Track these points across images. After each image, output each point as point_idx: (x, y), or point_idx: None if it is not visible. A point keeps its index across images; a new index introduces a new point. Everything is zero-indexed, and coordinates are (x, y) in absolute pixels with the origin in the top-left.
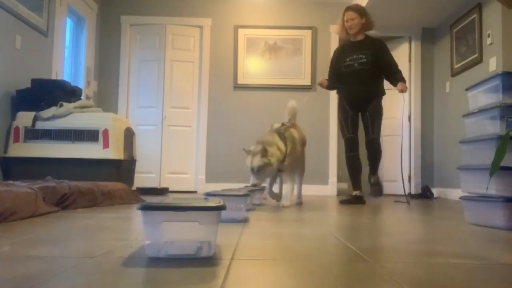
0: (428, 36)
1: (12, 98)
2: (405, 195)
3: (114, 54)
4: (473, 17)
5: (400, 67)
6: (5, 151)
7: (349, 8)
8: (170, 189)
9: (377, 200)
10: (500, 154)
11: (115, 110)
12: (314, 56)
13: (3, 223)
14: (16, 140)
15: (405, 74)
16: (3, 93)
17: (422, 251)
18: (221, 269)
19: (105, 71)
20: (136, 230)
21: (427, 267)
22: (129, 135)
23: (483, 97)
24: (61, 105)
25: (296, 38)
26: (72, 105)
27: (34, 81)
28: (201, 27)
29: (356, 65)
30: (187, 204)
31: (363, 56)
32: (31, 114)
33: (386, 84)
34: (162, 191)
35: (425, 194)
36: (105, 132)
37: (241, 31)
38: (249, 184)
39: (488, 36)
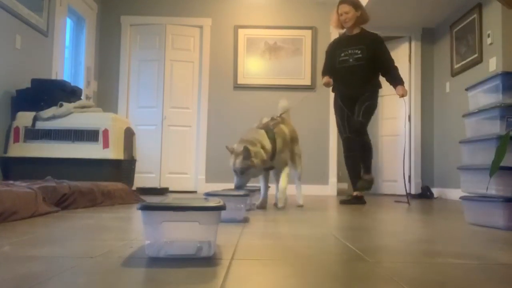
0: (428, 36)
1: (12, 98)
2: (406, 195)
3: (114, 54)
4: (473, 17)
5: (400, 67)
6: (5, 151)
7: (343, 1)
8: (170, 189)
9: (377, 200)
10: (500, 154)
11: (115, 110)
12: (314, 56)
13: (3, 223)
14: (16, 140)
15: (405, 74)
16: (3, 93)
17: (422, 251)
18: (221, 269)
19: (105, 71)
20: (136, 230)
21: (427, 267)
22: (129, 135)
23: (483, 97)
24: (61, 105)
25: (296, 38)
26: (72, 105)
27: (34, 81)
28: (201, 27)
29: (351, 60)
30: (187, 204)
31: (359, 52)
32: (31, 114)
33: (386, 88)
34: (162, 191)
35: (425, 194)
36: (105, 132)
37: (241, 31)
38: (249, 184)
39: (488, 36)
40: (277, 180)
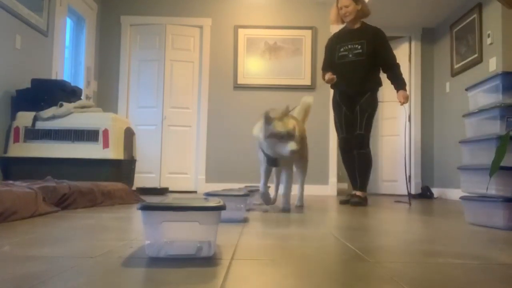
0: (428, 36)
1: (12, 98)
2: (408, 196)
3: (114, 54)
4: (473, 17)
5: (400, 67)
6: (5, 151)
7: None
8: (170, 189)
9: (377, 200)
10: (500, 154)
11: (115, 110)
12: (314, 56)
13: (3, 223)
14: (16, 140)
15: (405, 74)
16: (3, 93)
17: (422, 251)
18: (221, 269)
19: (105, 71)
20: (136, 230)
21: (427, 267)
22: (129, 135)
23: (483, 97)
24: (61, 105)
25: (296, 38)
26: (72, 105)
27: (34, 81)
28: (201, 27)
29: (350, 56)
30: (187, 204)
31: (359, 47)
32: (31, 114)
33: (387, 91)
34: (162, 191)
35: (425, 194)
36: (105, 132)
37: (241, 31)
38: (249, 184)
39: (488, 36)
40: (278, 178)
